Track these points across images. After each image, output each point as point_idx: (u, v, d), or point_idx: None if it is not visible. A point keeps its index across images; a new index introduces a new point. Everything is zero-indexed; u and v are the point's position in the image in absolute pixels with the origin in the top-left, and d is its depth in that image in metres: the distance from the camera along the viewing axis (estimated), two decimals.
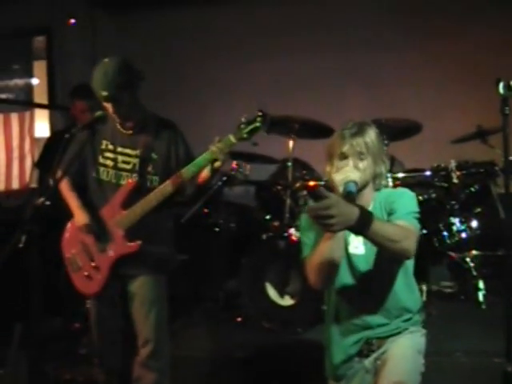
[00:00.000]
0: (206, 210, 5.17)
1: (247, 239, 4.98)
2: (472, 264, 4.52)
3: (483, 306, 4.33)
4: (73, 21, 6.71)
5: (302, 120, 4.70)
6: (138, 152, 3.25)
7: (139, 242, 3.18)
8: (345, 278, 2.56)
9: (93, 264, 3.26)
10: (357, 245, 2.54)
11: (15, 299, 4.20)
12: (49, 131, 6.76)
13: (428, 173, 4.60)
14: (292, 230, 4.43)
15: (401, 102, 5.76)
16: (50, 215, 4.04)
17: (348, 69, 6.10)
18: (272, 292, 4.40)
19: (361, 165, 2.48)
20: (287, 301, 4.38)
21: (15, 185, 6.18)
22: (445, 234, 4.58)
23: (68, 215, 3.39)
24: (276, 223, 4.91)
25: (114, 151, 3.28)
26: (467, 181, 4.60)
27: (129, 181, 3.23)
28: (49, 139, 5.16)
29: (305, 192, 4.73)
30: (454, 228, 4.55)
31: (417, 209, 2.51)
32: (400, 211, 2.47)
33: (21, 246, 2.62)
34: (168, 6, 6.56)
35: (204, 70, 6.47)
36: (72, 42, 6.81)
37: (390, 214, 2.49)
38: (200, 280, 5.23)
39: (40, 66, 7.11)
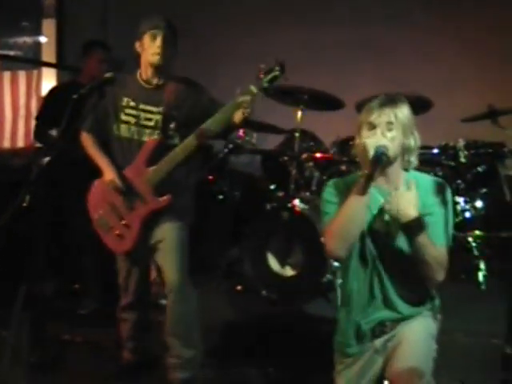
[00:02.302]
0: (210, 177, 5.15)
1: (251, 208, 4.97)
2: (474, 244, 4.50)
3: (483, 287, 4.33)
4: None
5: (311, 91, 4.66)
6: (160, 109, 3.25)
7: (169, 196, 3.20)
8: (365, 255, 2.47)
9: (123, 222, 3.28)
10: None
11: (20, 260, 4.21)
12: None
13: (436, 151, 4.57)
14: (296, 201, 4.43)
15: (413, 78, 5.67)
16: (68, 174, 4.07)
17: (361, 43, 6.02)
18: (273, 262, 4.40)
19: (389, 134, 2.39)
20: (288, 271, 4.38)
21: (20, 143, 6.15)
22: None
23: (91, 172, 3.41)
24: (281, 194, 4.90)
25: (136, 108, 3.28)
26: (475, 161, 4.57)
27: (150, 140, 3.23)
28: (49, 94, 4.87)
29: (311, 163, 4.71)
30: (459, 207, 4.52)
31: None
32: (440, 226, 2.40)
33: (25, 205, 2.61)
34: None
35: (216, 38, 6.38)
36: (83, 1, 6.73)
37: (425, 212, 2.37)
38: (201, 247, 5.23)
39: (49, 24, 7.02)
